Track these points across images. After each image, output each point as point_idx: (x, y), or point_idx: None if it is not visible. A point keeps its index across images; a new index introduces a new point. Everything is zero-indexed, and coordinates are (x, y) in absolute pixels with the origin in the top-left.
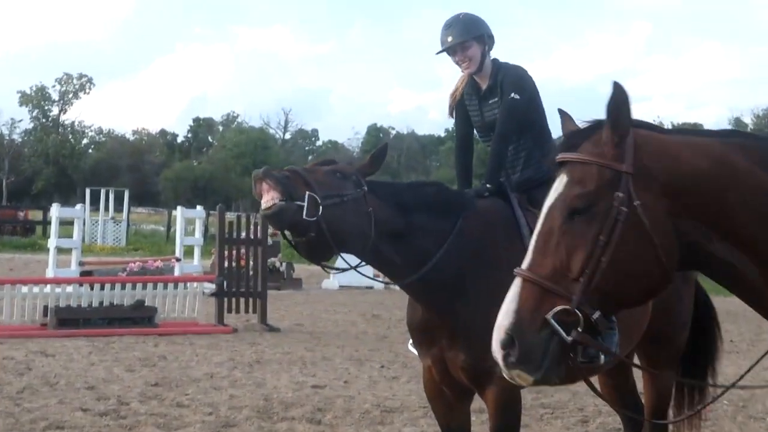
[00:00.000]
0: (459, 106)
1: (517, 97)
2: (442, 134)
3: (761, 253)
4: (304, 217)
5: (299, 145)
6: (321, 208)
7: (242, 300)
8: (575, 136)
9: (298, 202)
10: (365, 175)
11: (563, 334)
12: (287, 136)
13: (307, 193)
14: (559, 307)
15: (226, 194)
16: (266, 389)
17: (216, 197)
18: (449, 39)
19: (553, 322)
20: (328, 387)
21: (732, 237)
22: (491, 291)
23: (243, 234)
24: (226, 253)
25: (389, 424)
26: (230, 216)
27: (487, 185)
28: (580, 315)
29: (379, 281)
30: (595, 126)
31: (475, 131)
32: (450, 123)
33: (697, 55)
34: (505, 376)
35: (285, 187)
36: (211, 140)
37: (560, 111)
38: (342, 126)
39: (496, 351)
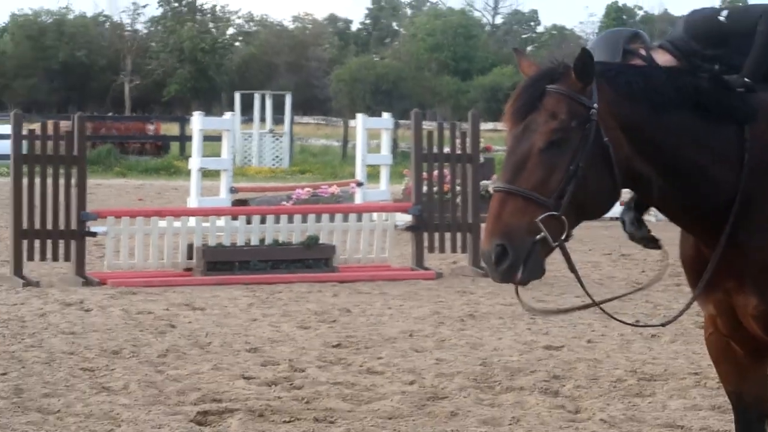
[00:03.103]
0: None
1: None
2: None
3: None
4: (552, 245)
5: (514, 33)
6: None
7: (447, 235)
8: None
9: (536, 236)
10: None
11: None
12: (498, 20)
13: (536, 238)
14: None
15: (419, 98)
16: (484, 351)
17: (406, 102)
18: None
19: None
20: (566, 348)
21: None
22: None
23: (446, 149)
24: (424, 174)
25: (649, 396)
26: (428, 126)
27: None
28: None
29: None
30: None
31: None
32: None
33: None
34: None
35: None
36: (397, 28)
37: None
38: (571, 5)
39: None
